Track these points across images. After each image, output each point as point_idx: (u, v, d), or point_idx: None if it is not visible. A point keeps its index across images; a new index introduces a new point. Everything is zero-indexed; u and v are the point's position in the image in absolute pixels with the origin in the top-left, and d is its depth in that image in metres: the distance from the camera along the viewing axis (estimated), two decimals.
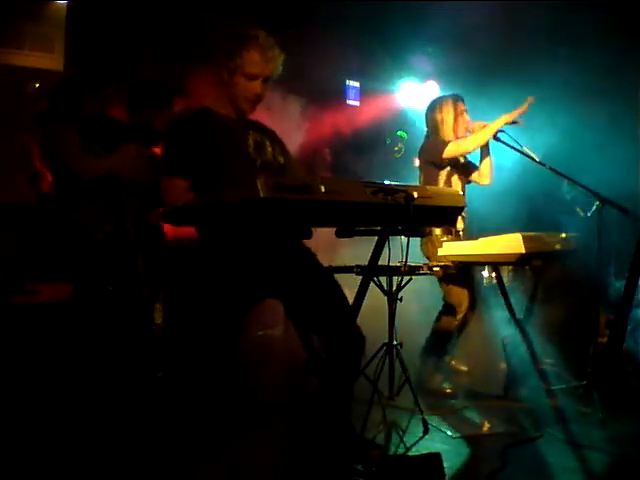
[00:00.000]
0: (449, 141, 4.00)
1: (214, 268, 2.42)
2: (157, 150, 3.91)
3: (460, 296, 3.95)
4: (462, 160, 4.13)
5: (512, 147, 3.84)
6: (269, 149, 2.71)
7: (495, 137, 3.90)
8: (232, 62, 2.56)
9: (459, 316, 3.95)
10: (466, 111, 4.11)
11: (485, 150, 4.13)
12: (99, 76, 3.36)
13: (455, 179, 4.06)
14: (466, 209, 4.07)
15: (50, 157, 3.21)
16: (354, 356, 2.56)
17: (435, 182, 3.99)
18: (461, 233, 4.02)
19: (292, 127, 4.65)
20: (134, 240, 3.27)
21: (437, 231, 3.92)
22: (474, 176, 4.22)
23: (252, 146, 2.65)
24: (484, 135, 3.91)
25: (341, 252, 3.91)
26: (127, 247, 3.22)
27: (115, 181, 3.22)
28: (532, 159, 3.78)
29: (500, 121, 3.86)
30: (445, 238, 3.90)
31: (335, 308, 2.52)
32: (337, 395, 2.51)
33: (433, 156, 4.01)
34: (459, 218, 4.00)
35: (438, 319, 4.04)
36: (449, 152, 3.93)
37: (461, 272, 3.88)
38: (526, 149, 3.80)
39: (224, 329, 2.45)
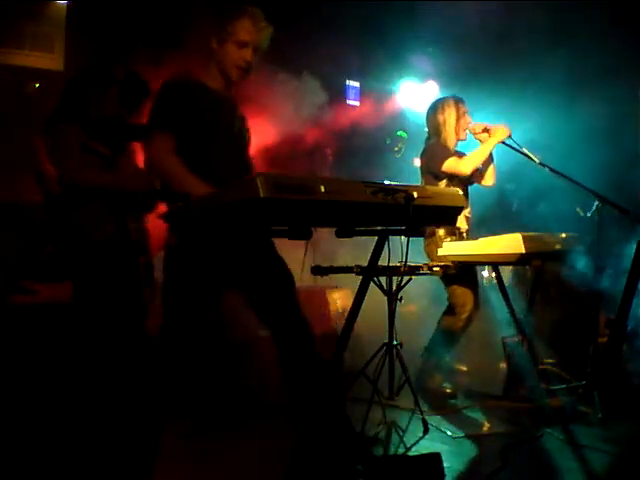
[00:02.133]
0: (450, 150, 4.00)
1: (187, 260, 2.43)
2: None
3: (465, 297, 3.94)
4: None
5: (513, 148, 3.84)
6: (244, 132, 2.74)
7: None
8: (223, 30, 2.59)
9: (464, 316, 3.93)
10: (467, 112, 4.11)
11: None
12: (102, 77, 3.36)
13: (455, 183, 4.06)
14: (470, 211, 4.08)
15: (52, 157, 3.21)
16: (304, 350, 2.54)
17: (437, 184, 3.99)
18: (465, 235, 4.01)
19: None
20: (135, 241, 3.27)
21: (440, 232, 3.92)
22: (477, 178, 4.21)
23: (238, 126, 2.68)
24: (480, 156, 3.92)
25: (341, 252, 3.92)
26: (128, 248, 3.23)
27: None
28: (532, 160, 3.78)
29: (492, 142, 3.88)
30: (449, 239, 3.90)
31: (289, 311, 2.54)
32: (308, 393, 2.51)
33: (432, 167, 4.00)
34: (463, 220, 4.01)
35: (442, 319, 4.03)
36: (447, 168, 3.93)
37: (464, 272, 3.88)
38: (526, 150, 3.80)
39: (193, 315, 2.46)
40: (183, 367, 2.47)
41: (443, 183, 4.01)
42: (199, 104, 2.52)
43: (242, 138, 2.71)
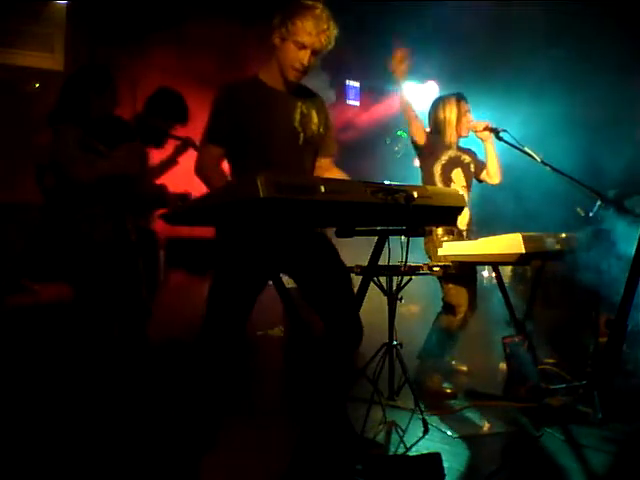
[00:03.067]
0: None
1: (234, 247, 2.48)
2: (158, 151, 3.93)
3: (459, 297, 3.93)
4: (468, 159, 4.12)
5: (515, 146, 3.83)
6: (315, 120, 2.72)
7: (498, 137, 3.91)
8: (285, 28, 2.55)
9: (459, 316, 3.93)
10: (469, 111, 4.10)
11: (489, 149, 4.11)
12: (102, 76, 3.37)
13: (458, 173, 4.06)
14: (471, 209, 4.08)
15: (52, 158, 3.21)
16: (351, 344, 2.58)
17: (431, 170, 4.01)
18: (464, 233, 4.01)
19: None
20: (134, 242, 3.27)
21: (439, 231, 3.92)
22: (483, 175, 4.20)
23: (298, 119, 2.66)
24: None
25: (341, 252, 3.91)
26: (127, 249, 3.23)
27: (115, 183, 3.23)
28: (534, 159, 3.77)
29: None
30: (446, 238, 3.89)
31: (340, 295, 2.57)
32: (332, 385, 2.51)
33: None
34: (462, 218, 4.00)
35: (437, 319, 4.03)
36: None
37: (462, 272, 3.88)
38: (528, 149, 3.80)
39: (239, 306, 2.53)
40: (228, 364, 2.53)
41: (439, 166, 4.01)
42: (249, 103, 2.58)
43: (307, 128, 2.68)
